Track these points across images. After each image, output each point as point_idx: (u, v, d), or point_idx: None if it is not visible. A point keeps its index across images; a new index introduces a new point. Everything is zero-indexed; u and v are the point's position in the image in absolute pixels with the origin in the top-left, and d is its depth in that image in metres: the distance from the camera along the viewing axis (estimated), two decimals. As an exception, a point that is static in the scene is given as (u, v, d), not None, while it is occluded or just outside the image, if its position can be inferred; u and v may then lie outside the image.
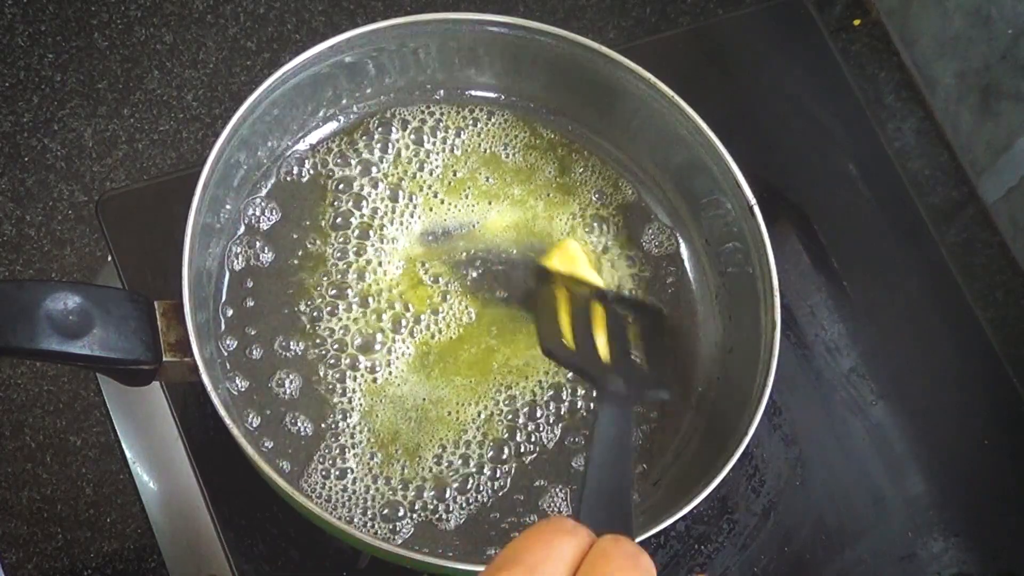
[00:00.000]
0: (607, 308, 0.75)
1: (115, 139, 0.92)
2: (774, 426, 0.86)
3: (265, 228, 0.79)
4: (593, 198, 0.83)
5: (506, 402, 0.77)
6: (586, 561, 0.46)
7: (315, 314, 0.77)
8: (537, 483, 0.76)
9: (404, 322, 0.77)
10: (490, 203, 0.82)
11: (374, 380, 0.76)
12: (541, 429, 0.77)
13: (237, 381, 0.75)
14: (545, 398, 0.77)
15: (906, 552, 0.86)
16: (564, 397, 0.77)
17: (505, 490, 0.75)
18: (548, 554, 0.46)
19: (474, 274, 0.79)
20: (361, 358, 0.76)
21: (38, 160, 0.90)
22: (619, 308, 0.76)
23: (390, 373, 0.76)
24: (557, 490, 0.75)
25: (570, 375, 0.77)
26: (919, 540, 0.86)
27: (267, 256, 0.78)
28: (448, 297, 0.79)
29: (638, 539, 0.69)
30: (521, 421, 0.76)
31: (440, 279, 0.79)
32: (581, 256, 0.78)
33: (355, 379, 0.76)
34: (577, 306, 0.75)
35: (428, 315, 0.78)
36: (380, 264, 0.79)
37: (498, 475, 0.75)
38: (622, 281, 0.81)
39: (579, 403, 0.78)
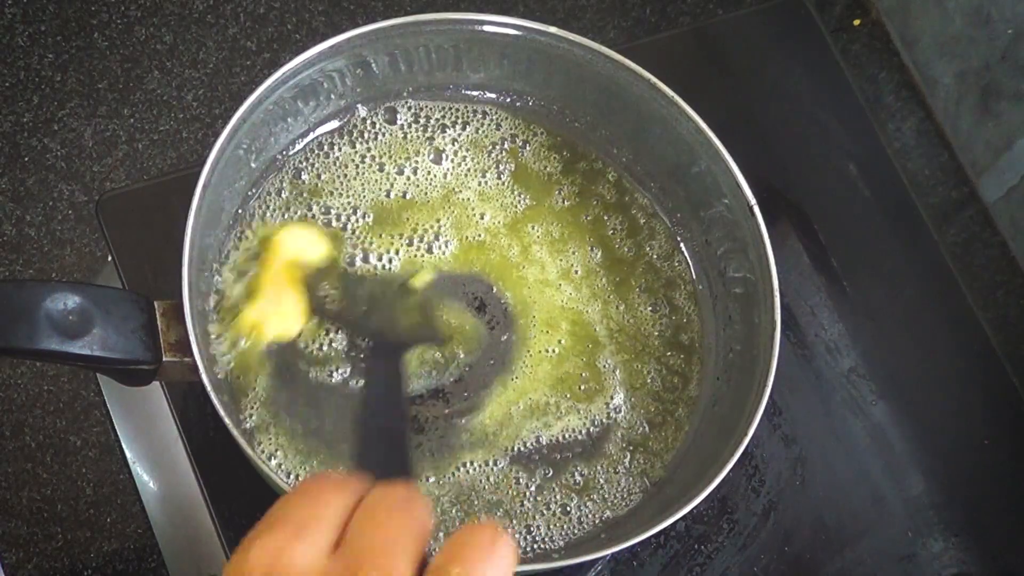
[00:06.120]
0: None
1: (115, 139, 0.92)
2: (774, 426, 0.86)
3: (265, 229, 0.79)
4: (592, 198, 0.83)
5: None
6: (355, 515, 0.45)
7: (314, 317, 0.77)
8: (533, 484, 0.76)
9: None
10: (488, 202, 0.82)
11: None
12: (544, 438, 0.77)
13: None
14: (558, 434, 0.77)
15: (906, 552, 0.86)
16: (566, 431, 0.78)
17: (504, 500, 0.76)
18: (315, 511, 0.45)
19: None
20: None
21: (38, 160, 0.90)
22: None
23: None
24: (556, 489, 0.76)
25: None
26: (919, 540, 0.86)
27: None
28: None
29: (637, 540, 0.69)
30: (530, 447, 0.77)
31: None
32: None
33: (355, 378, 0.76)
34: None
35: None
36: (381, 259, 0.79)
37: (502, 488, 0.76)
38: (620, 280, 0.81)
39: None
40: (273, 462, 0.74)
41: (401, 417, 0.64)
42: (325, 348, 0.76)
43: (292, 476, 0.74)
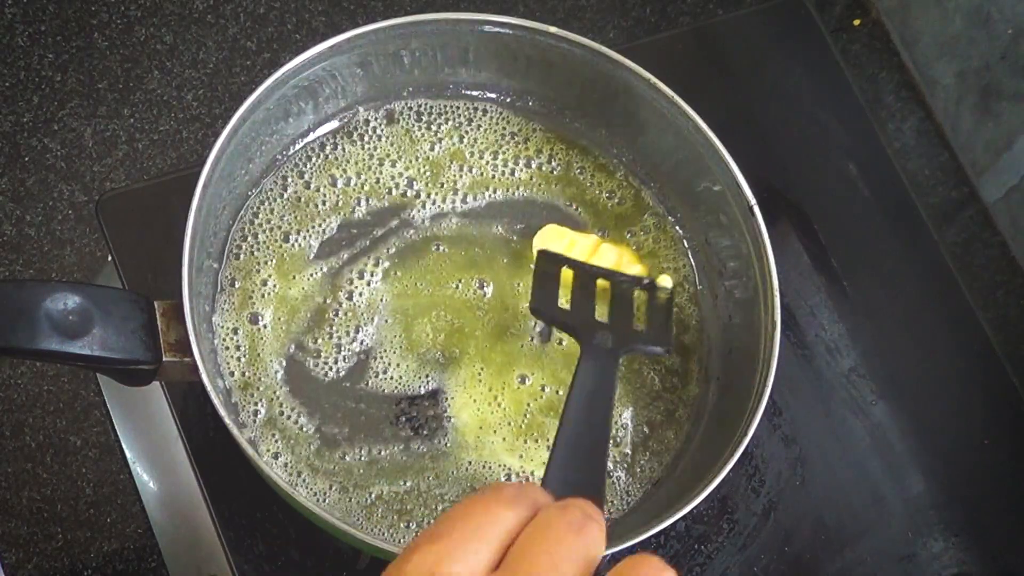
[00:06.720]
0: (614, 283, 0.76)
1: (115, 139, 0.92)
2: (774, 426, 0.86)
3: (266, 228, 0.79)
4: (592, 198, 0.83)
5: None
6: (523, 534, 0.43)
7: (314, 317, 0.77)
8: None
9: (398, 330, 0.78)
10: (488, 201, 0.82)
11: (376, 379, 0.76)
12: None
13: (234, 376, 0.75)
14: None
15: (906, 552, 0.86)
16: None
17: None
18: (481, 525, 0.43)
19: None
20: (361, 358, 0.77)
21: (38, 160, 0.90)
22: (626, 284, 0.77)
23: (392, 370, 0.77)
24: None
25: None
26: (919, 540, 0.86)
27: (268, 255, 0.78)
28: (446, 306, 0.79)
29: (638, 540, 0.69)
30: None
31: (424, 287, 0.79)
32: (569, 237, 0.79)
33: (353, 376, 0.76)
34: (580, 279, 0.75)
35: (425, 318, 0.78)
36: (377, 269, 0.79)
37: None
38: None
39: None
40: (274, 462, 0.74)
41: (603, 428, 0.62)
42: (329, 346, 0.76)
43: (293, 476, 0.74)
